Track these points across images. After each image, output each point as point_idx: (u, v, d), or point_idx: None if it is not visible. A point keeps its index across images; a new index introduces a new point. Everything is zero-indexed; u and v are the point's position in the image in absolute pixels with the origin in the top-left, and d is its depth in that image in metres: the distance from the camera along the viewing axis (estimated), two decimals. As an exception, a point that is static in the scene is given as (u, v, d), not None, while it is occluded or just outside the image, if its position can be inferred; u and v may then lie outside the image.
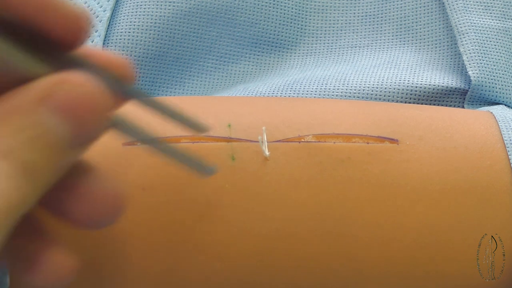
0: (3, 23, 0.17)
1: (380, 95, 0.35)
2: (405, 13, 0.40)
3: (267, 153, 0.25)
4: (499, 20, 0.37)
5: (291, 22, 0.40)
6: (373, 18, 0.40)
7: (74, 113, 0.17)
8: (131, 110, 0.20)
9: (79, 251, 0.21)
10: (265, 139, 0.25)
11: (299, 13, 0.41)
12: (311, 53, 0.40)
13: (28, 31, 0.18)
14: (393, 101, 0.35)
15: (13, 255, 0.19)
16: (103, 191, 0.20)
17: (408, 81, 0.35)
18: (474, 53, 0.35)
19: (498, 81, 0.35)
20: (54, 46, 0.19)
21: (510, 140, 0.26)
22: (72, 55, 0.19)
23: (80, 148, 0.18)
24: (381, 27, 0.40)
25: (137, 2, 0.37)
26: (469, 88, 0.35)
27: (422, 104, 0.35)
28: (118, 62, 0.20)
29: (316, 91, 0.36)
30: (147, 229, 0.24)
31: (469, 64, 0.35)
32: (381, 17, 0.40)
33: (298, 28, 0.40)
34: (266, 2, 0.40)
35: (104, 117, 0.18)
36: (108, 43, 0.36)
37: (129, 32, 0.36)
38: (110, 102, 0.18)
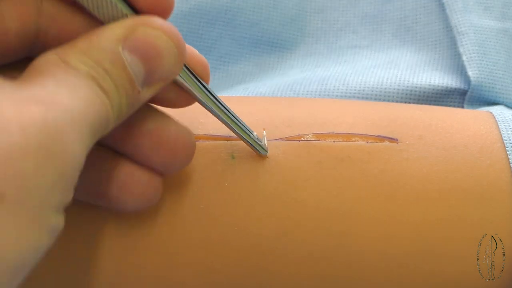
0: None
1: (380, 95, 0.35)
2: (405, 13, 0.40)
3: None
4: (499, 21, 0.37)
5: (291, 22, 0.40)
6: (373, 18, 0.40)
7: (148, 54, 0.19)
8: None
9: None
10: (265, 138, 0.25)
11: (299, 13, 0.41)
12: (311, 53, 0.40)
13: None
14: (393, 101, 0.35)
15: (108, 177, 0.21)
16: (178, 135, 0.21)
17: (408, 81, 0.35)
18: (473, 53, 0.35)
19: (497, 81, 0.35)
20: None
21: (510, 140, 0.26)
22: None
23: (151, 88, 0.20)
24: (381, 27, 0.40)
25: None
26: (468, 88, 0.35)
27: (422, 104, 0.35)
28: (200, 60, 0.22)
29: (316, 91, 0.36)
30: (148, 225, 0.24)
31: (469, 65, 0.35)
32: (381, 17, 0.40)
33: (298, 28, 0.41)
34: (266, 3, 0.40)
35: (176, 62, 0.19)
36: None
37: None
38: (183, 49, 0.20)
